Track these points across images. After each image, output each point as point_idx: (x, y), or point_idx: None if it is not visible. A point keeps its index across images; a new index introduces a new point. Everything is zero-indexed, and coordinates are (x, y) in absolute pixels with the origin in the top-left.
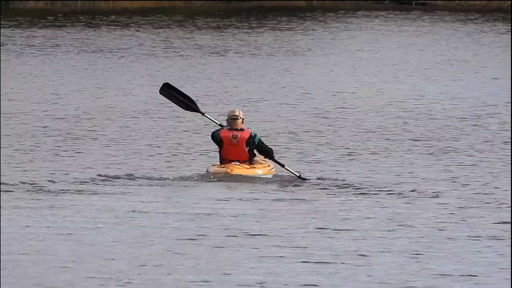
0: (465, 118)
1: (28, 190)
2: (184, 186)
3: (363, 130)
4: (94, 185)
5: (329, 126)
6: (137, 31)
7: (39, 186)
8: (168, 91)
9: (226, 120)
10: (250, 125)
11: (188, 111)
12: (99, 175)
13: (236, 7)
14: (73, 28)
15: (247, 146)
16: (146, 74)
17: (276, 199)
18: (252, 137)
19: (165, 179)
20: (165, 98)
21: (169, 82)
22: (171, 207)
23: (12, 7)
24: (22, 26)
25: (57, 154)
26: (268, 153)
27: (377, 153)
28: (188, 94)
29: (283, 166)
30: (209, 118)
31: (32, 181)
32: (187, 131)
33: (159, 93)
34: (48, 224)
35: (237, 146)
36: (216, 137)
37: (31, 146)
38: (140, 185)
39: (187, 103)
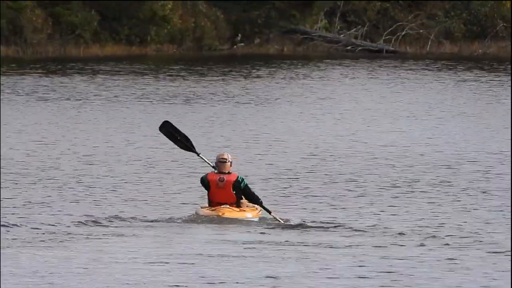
0: (443, 161)
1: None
2: (173, 228)
3: (344, 174)
4: (82, 229)
5: (307, 171)
6: (105, 78)
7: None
8: (168, 129)
9: (215, 163)
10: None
11: (184, 150)
12: (87, 220)
13: (207, 55)
14: (44, 76)
15: (233, 189)
16: (124, 120)
17: (264, 242)
18: (238, 181)
19: (154, 221)
20: (164, 135)
21: (168, 121)
22: (160, 251)
23: None
24: None
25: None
26: (254, 200)
27: (360, 196)
28: (186, 134)
29: (269, 212)
30: (203, 159)
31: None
32: (175, 173)
33: (158, 130)
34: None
35: (224, 189)
36: (203, 180)
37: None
38: (129, 227)
39: (184, 143)
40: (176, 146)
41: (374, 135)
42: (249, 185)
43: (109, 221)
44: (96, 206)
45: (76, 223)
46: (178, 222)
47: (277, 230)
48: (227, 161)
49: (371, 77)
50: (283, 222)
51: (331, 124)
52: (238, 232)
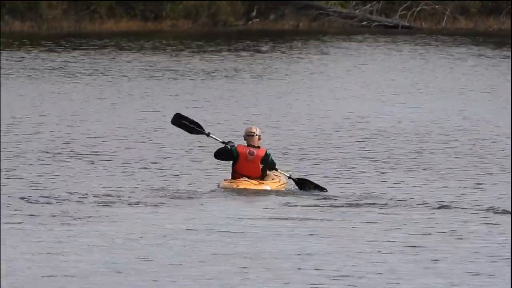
0: (454, 134)
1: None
2: (195, 201)
3: (357, 147)
4: (102, 205)
5: (323, 146)
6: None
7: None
8: (179, 120)
9: (243, 136)
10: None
11: (193, 134)
12: (106, 194)
13: (222, 31)
14: (62, 51)
15: (261, 163)
16: (140, 96)
17: (282, 217)
18: (267, 155)
19: (176, 194)
20: (176, 126)
21: (179, 113)
22: (181, 224)
23: None
24: (10, 48)
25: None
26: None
27: (374, 169)
28: (194, 119)
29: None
30: (214, 138)
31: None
32: (197, 146)
33: (170, 123)
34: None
35: (252, 162)
36: (233, 152)
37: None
38: (152, 202)
39: (194, 128)
40: (187, 132)
41: (389, 110)
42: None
43: (129, 196)
44: (114, 181)
45: (99, 198)
46: (199, 196)
47: (296, 205)
48: (255, 134)
49: (387, 53)
50: (288, 175)
51: (348, 99)
52: (259, 206)
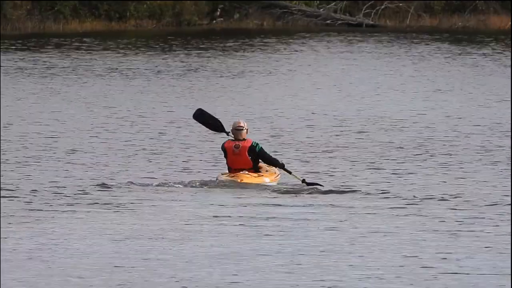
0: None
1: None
2: (194, 194)
3: (337, 142)
4: (102, 196)
5: (291, 142)
6: (91, 53)
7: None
8: (201, 116)
9: (231, 130)
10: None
11: (216, 132)
12: (106, 185)
13: (186, 30)
14: (26, 51)
15: (249, 154)
16: (111, 93)
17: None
18: (253, 146)
19: (175, 187)
20: (197, 121)
21: (201, 108)
22: (178, 216)
23: None
24: None
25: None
26: (271, 162)
27: (345, 164)
28: (216, 117)
29: (290, 173)
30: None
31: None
32: (197, 139)
33: (192, 118)
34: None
35: (240, 155)
36: (222, 148)
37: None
38: (151, 193)
39: (215, 125)
40: (208, 129)
41: (363, 107)
42: (263, 149)
43: (127, 188)
44: (108, 174)
45: (97, 190)
46: (198, 188)
47: (292, 197)
48: (243, 128)
49: (353, 51)
50: (301, 180)
51: (315, 96)
52: (256, 200)
